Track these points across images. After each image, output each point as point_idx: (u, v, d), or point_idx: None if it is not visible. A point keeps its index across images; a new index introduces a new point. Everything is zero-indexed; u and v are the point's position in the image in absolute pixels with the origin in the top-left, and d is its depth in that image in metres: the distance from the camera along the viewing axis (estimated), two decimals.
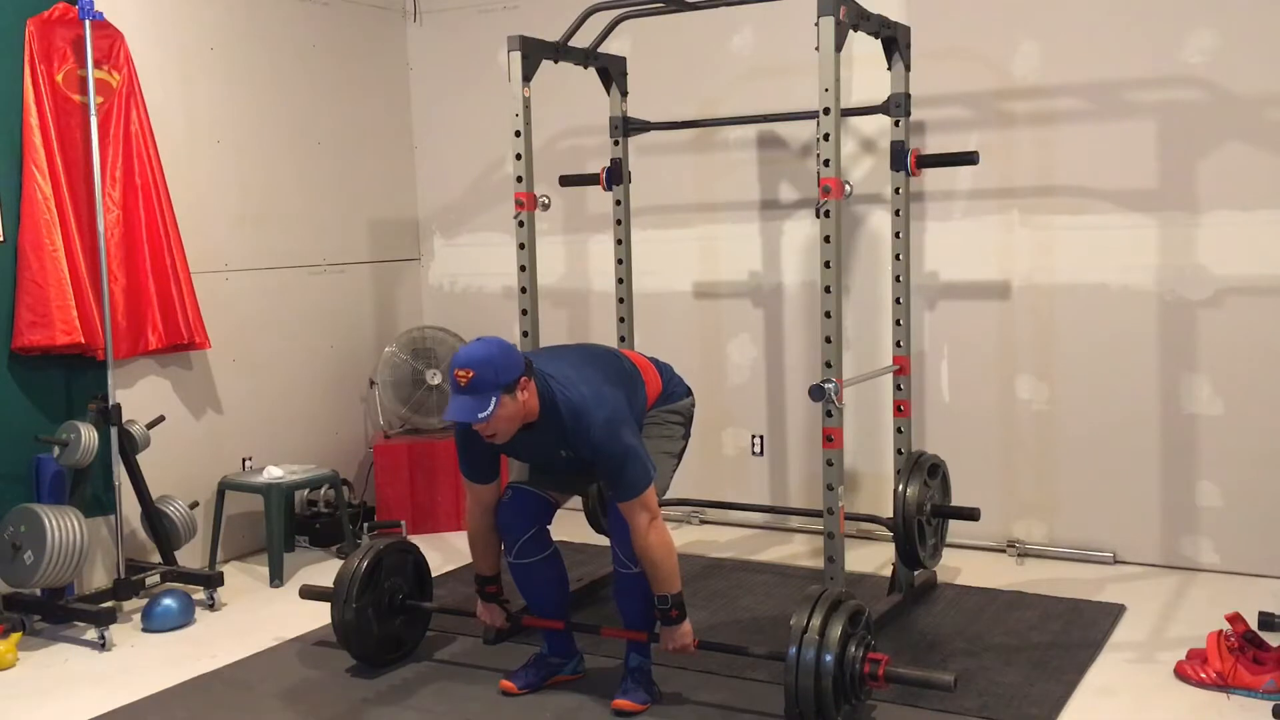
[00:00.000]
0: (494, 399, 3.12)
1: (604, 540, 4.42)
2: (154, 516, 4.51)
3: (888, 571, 4.36)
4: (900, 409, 4.25)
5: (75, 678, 3.82)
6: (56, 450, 4.23)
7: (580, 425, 3.25)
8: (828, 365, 3.53)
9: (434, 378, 5.57)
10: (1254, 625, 3.63)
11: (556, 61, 4.26)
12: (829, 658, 3.06)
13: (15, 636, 3.98)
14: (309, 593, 4.01)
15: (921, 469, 4.10)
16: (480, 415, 3.12)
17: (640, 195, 5.03)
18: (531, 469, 3.57)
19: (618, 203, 4.64)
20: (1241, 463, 4.45)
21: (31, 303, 4.27)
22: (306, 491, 5.28)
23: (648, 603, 3.40)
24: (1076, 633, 3.91)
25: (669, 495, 4.87)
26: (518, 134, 4.08)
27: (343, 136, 5.69)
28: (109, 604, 4.20)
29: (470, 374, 3.12)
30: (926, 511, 4.08)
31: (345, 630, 3.73)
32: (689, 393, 3.75)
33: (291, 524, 5.23)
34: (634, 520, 3.26)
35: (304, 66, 5.48)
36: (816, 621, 3.11)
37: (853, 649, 3.14)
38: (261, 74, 5.28)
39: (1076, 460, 4.72)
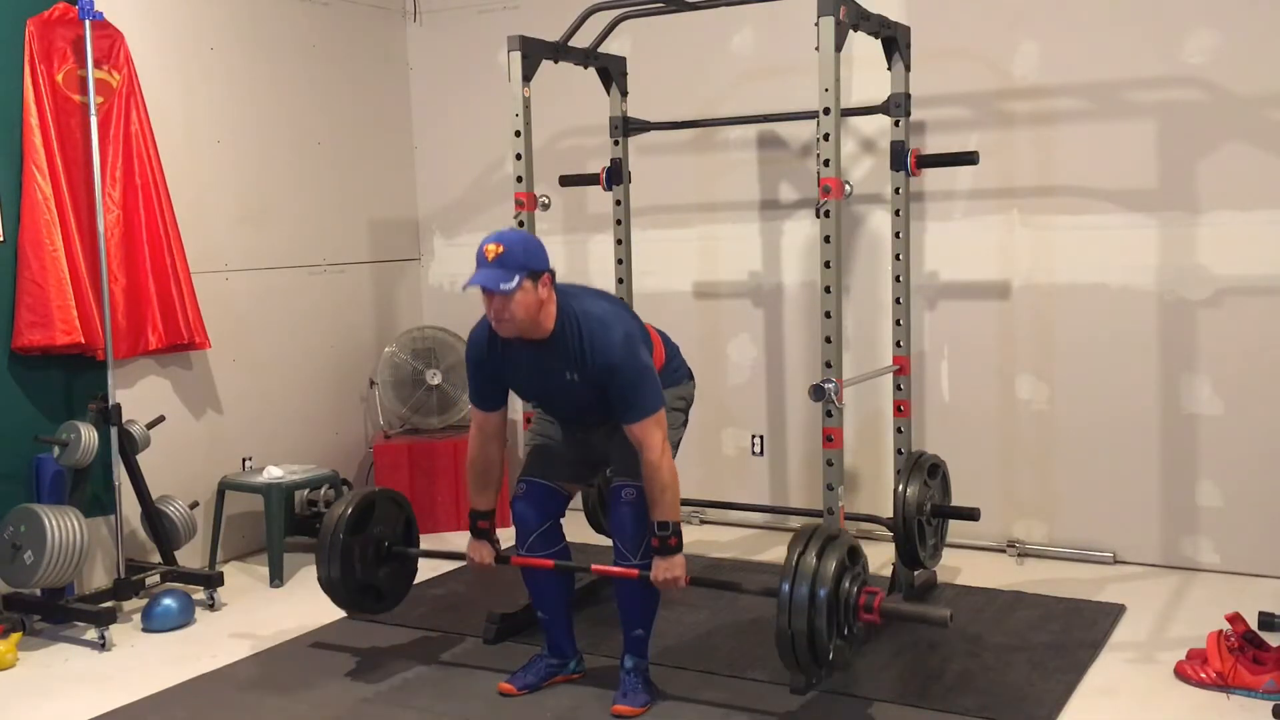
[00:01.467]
0: (518, 277, 3.14)
1: (604, 540, 4.43)
2: (154, 516, 4.51)
3: (888, 571, 4.36)
4: (900, 409, 4.25)
5: (75, 678, 3.82)
6: (56, 450, 4.23)
7: (597, 342, 3.25)
8: (828, 365, 3.53)
9: (434, 378, 5.57)
10: (1254, 625, 3.63)
11: (556, 61, 4.26)
12: (823, 592, 3.02)
13: (15, 636, 3.98)
14: (296, 543, 3.96)
15: (921, 469, 4.10)
16: (503, 286, 3.14)
17: (640, 195, 5.03)
18: (536, 454, 3.57)
19: (618, 203, 4.64)
20: (1241, 463, 4.45)
21: (31, 303, 4.27)
22: (306, 491, 5.28)
23: (647, 596, 3.42)
24: (1076, 633, 3.91)
25: None
26: (518, 134, 4.08)
27: (343, 136, 5.69)
28: (109, 604, 4.20)
29: (500, 248, 3.17)
30: (926, 511, 4.08)
31: (329, 572, 3.69)
32: (691, 376, 3.74)
33: (291, 524, 5.23)
34: (648, 439, 3.25)
35: (304, 66, 5.48)
36: (810, 557, 3.06)
37: (847, 584, 3.10)
38: (261, 74, 5.28)
39: (1076, 460, 4.73)
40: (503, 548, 3.68)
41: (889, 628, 3.96)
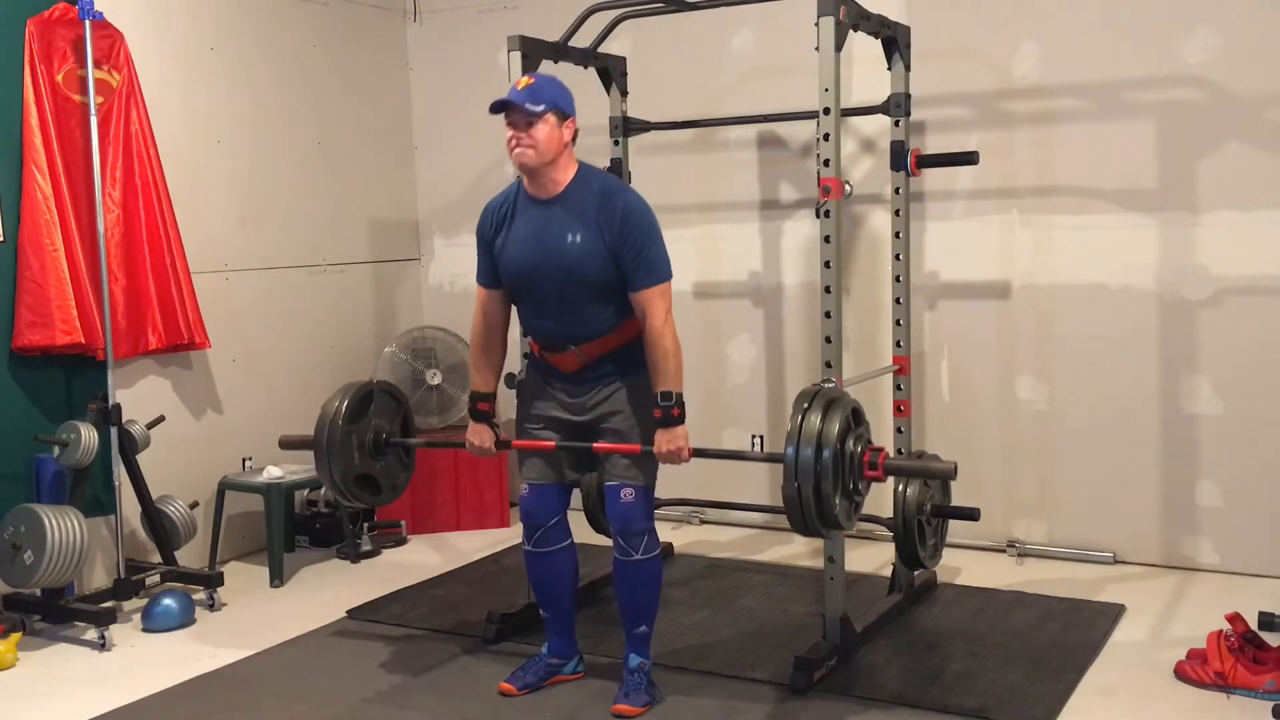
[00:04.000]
0: (545, 107, 3.22)
1: (604, 540, 4.43)
2: (154, 516, 4.51)
3: (888, 571, 4.36)
4: (900, 409, 4.25)
5: (75, 678, 3.82)
6: (56, 450, 4.23)
7: (614, 195, 3.30)
8: (828, 365, 3.53)
9: (434, 378, 5.57)
10: (1254, 625, 3.63)
11: (556, 61, 4.26)
12: (828, 453, 3.00)
13: (15, 636, 3.98)
14: (288, 442, 3.92)
15: None
16: (530, 105, 3.21)
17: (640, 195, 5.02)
18: (531, 451, 3.53)
19: None
20: (1241, 463, 4.45)
21: (31, 303, 4.27)
22: (306, 491, 5.28)
23: (647, 591, 3.42)
24: (1076, 633, 3.91)
25: (668, 495, 4.88)
26: None
27: (343, 136, 5.69)
28: (109, 604, 4.20)
29: (532, 80, 3.28)
30: (926, 511, 4.07)
31: (328, 450, 3.65)
32: None
33: (291, 524, 5.23)
34: (652, 308, 3.26)
35: (304, 66, 5.48)
36: (814, 419, 3.04)
37: (851, 444, 3.09)
38: (261, 74, 5.28)
39: (1076, 460, 4.72)
40: (503, 435, 3.61)
41: (889, 626, 3.97)
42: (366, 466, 3.76)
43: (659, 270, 3.29)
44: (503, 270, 3.44)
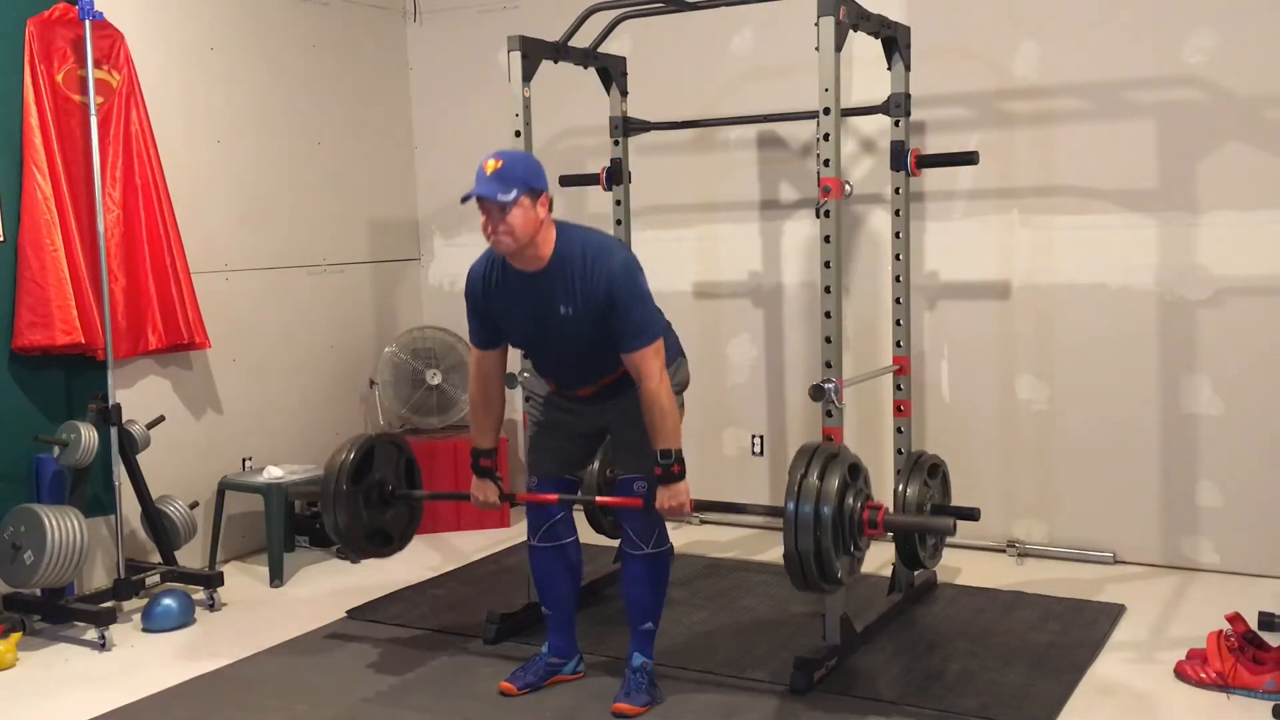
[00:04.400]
0: (516, 191, 3.14)
1: (604, 540, 4.43)
2: (154, 516, 4.51)
3: (888, 571, 4.36)
4: (900, 409, 4.25)
5: (75, 678, 3.82)
6: (56, 450, 4.23)
7: (597, 265, 3.22)
8: (828, 365, 3.53)
9: (434, 378, 5.58)
10: (1254, 625, 3.63)
11: (556, 61, 4.26)
12: (827, 510, 3.01)
13: (15, 636, 3.98)
14: (298, 493, 3.95)
15: (921, 469, 4.09)
16: (501, 197, 3.13)
17: (640, 195, 5.03)
18: (539, 446, 3.57)
19: (618, 203, 4.64)
20: (1241, 463, 4.45)
21: (31, 303, 4.27)
22: None
23: (655, 586, 3.44)
24: (1076, 633, 3.90)
25: None
26: (518, 134, 4.08)
27: (343, 136, 5.69)
28: (109, 604, 4.20)
29: (500, 163, 3.19)
30: (927, 511, 4.08)
31: (335, 515, 3.69)
32: (683, 353, 3.62)
33: (291, 524, 5.23)
34: (646, 368, 3.23)
35: (304, 66, 5.48)
36: (813, 476, 3.05)
37: (850, 500, 3.10)
38: (261, 74, 5.28)
39: (1076, 460, 4.72)
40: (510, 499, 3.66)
41: (889, 626, 3.97)
42: (375, 521, 3.82)
43: (649, 331, 3.26)
44: (506, 338, 3.48)
